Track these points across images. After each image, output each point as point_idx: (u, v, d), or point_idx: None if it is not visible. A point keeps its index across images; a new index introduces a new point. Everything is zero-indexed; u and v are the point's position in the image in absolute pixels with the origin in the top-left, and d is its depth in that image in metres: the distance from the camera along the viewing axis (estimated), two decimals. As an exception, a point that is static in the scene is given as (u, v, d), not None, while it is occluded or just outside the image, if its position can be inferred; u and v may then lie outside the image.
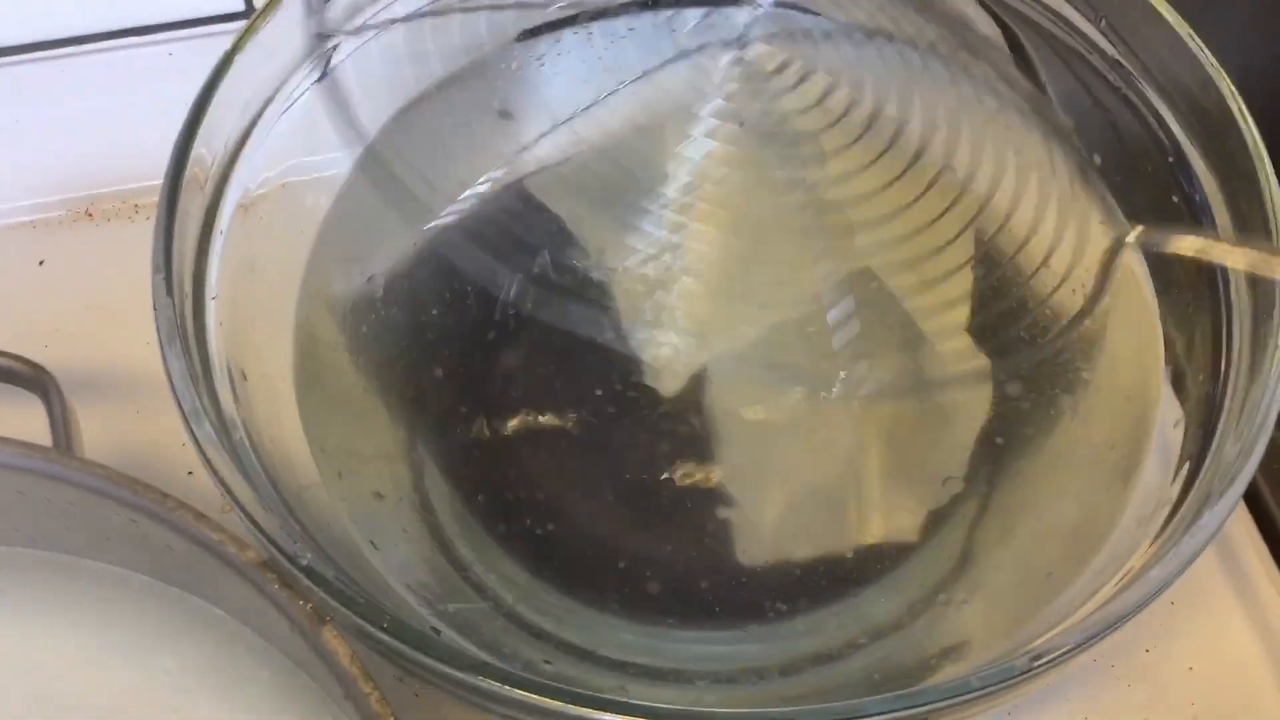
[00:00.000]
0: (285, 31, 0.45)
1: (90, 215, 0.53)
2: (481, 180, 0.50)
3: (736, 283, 0.46)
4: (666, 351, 0.45)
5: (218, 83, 0.43)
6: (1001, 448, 0.43)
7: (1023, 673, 0.32)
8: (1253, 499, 0.47)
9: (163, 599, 0.41)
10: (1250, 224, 0.40)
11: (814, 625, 0.40)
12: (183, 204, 0.41)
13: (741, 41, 0.49)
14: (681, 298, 0.45)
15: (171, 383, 0.37)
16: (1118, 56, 0.44)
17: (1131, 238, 0.44)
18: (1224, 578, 0.46)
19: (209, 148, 0.43)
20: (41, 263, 0.52)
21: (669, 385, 0.44)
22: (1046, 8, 0.47)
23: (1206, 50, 0.41)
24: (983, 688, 0.32)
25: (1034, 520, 0.41)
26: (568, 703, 0.32)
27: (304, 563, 0.34)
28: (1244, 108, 0.41)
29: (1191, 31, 0.42)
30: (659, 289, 0.46)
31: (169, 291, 0.38)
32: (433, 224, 0.49)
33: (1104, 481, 0.41)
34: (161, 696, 0.40)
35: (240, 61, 0.43)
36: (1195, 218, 0.42)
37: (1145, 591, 0.34)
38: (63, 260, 0.52)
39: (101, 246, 0.53)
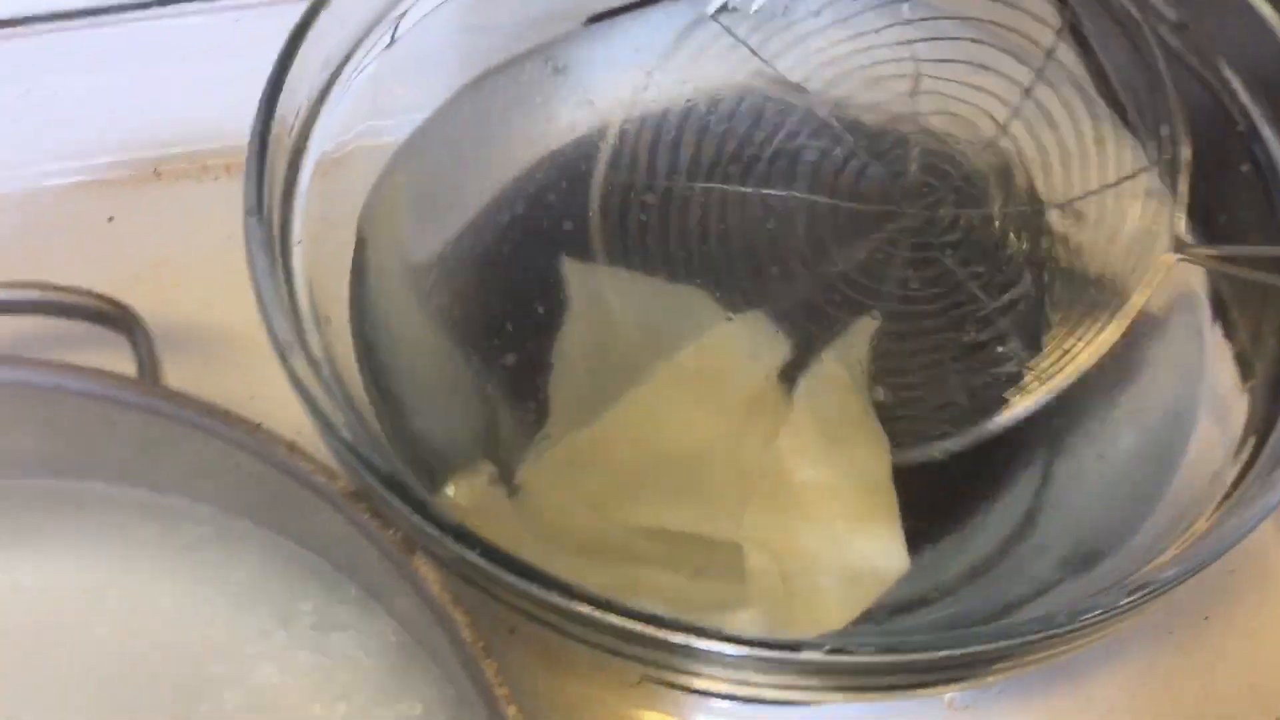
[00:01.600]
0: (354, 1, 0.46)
1: (158, 175, 0.54)
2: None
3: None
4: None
5: (296, 47, 0.44)
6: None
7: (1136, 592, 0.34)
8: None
9: (247, 538, 0.41)
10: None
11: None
12: (270, 154, 0.42)
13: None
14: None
15: (266, 315, 0.38)
16: (1181, 21, 0.45)
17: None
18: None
19: (288, 107, 0.44)
20: (110, 219, 0.53)
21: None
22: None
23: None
24: (1095, 611, 0.33)
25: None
26: (668, 630, 0.33)
27: (399, 482, 0.35)
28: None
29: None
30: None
31: (262, 228, 0.39)
32: (493, 189, 0.50)
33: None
34: (244, 635, 0.40)
35: (314, 27, 0.44)
36: (1266, 187, 0.43)
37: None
38: (131, 217, 0.53)
39: (168, 205, 0.54)
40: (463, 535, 0.35)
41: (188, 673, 0.39)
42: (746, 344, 0.45)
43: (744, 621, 0.39)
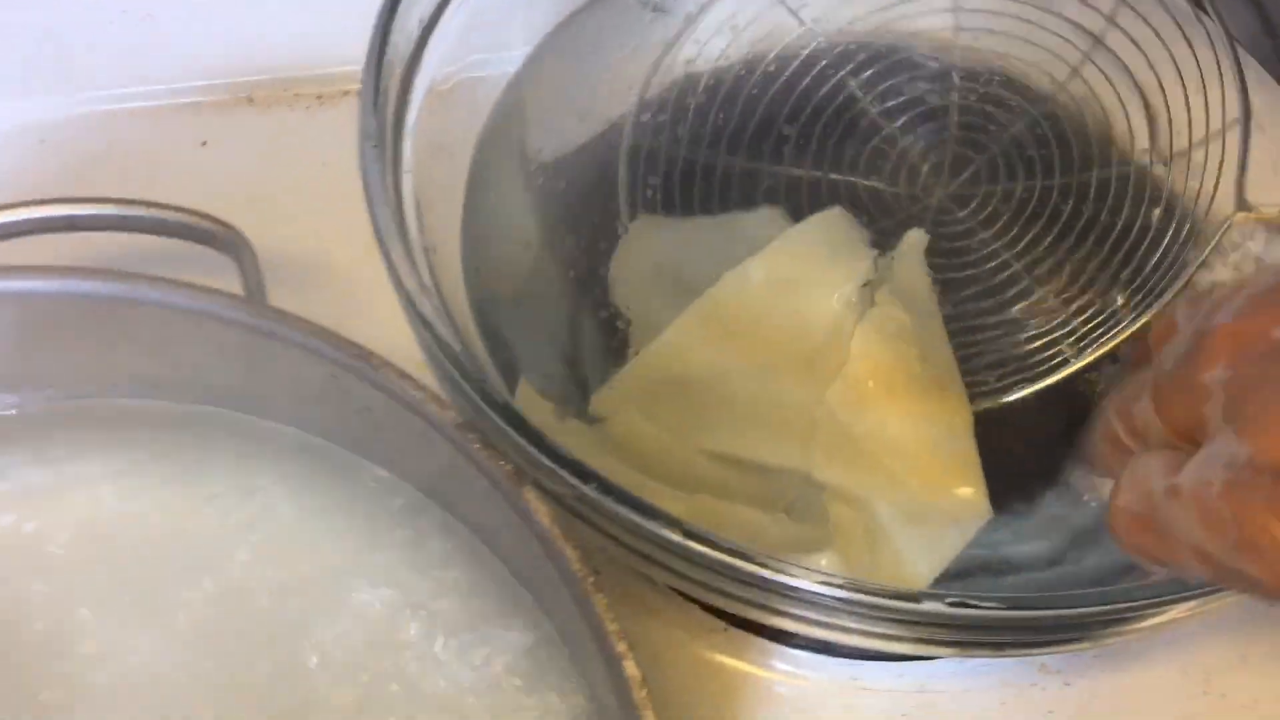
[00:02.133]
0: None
1: (251, 100, 0.54)
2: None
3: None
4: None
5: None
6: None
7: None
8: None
9: (350, 470, 0.41)
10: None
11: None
12: (384, 82, 0.41)
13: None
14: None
15: (383, 244, 0.37)
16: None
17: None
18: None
19: (400, 35, 0.43)
20: (204, 143, 0.53)
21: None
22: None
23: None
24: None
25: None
26: (776, 572, 0.33)
27: (514, 413, 0.35)
28: None
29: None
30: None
31: (379, 157, 0.39)
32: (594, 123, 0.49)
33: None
34: (340, 568, 0.40)
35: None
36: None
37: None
38: (224, 142, 0.53)
39: (262, 131, 0.53)
40: (579, 468, 0.34)
41: (295, 604, 0.39)
42: (824, 246, 0.43)
43: (826, 565, 0.39)
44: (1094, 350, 0.42)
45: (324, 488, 0.41)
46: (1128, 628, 0.35)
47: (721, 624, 0.44)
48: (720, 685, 0.43)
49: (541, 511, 0.36)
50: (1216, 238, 0.40)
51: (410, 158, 0.42)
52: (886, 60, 0.47)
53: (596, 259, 0.46)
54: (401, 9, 0.43)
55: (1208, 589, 0.33)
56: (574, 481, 0.34)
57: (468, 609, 0.39)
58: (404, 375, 0.37)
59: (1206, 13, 0.44)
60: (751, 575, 0.33)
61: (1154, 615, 0.35)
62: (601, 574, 0.40)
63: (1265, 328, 0.29)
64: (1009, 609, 0.33)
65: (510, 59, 0.49)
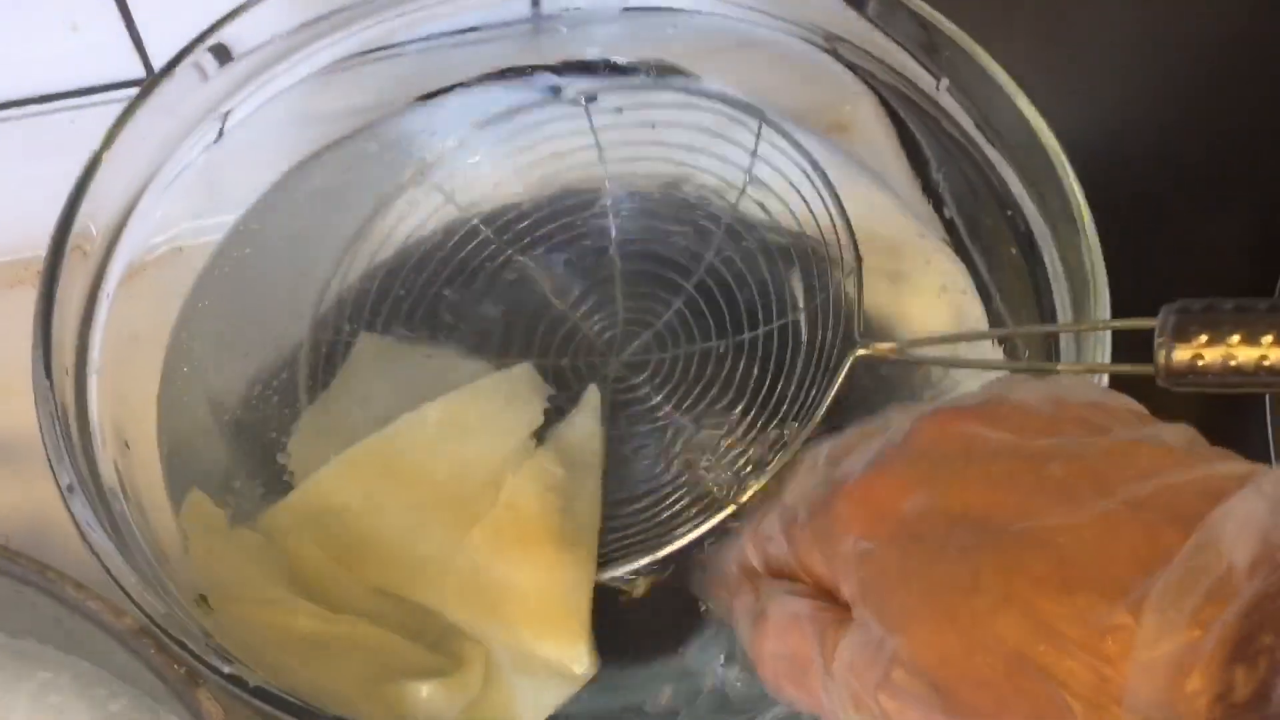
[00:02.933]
0: (179, 97, 0.47)
1: (-19, 282, 0.55)
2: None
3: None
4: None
5: (105, 151, 0.45)
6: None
7: None
8: None
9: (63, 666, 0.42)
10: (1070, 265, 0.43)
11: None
12: (65, 278, 0.43)
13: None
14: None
15: (50, 463, 0.39)
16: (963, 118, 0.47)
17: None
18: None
19: (95, 216, 0.44)
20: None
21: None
22: (893, 70, 0.49)
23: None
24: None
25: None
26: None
27: (180, 623, 0.36)
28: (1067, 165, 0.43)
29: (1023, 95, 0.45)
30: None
31: (48, 372, 0.40)
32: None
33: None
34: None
35: (130, 128, 0.45)
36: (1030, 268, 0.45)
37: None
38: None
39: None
40: (237, 678, 0.36)
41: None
42: (501, 397, 0.45)
43: (427, 694, 0.40)
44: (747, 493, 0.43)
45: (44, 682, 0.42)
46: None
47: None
48: None
49: (214, 713, 0.37)
50: (840, 375, 0.43)
51: (99, 354, 0.43)
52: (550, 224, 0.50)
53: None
54: (91, 197, 0.44)
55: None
56: (233, 688, 0.36)
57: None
58: (80, 586, 0.39)
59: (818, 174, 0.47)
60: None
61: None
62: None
63: (894, 498, 0.29)
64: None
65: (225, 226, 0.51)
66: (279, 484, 0.45)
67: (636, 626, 0.44)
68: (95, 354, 0.43)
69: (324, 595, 0.42)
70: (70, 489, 0.38)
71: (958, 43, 0.46)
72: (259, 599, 0.41)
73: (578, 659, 0.41)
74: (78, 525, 0.38)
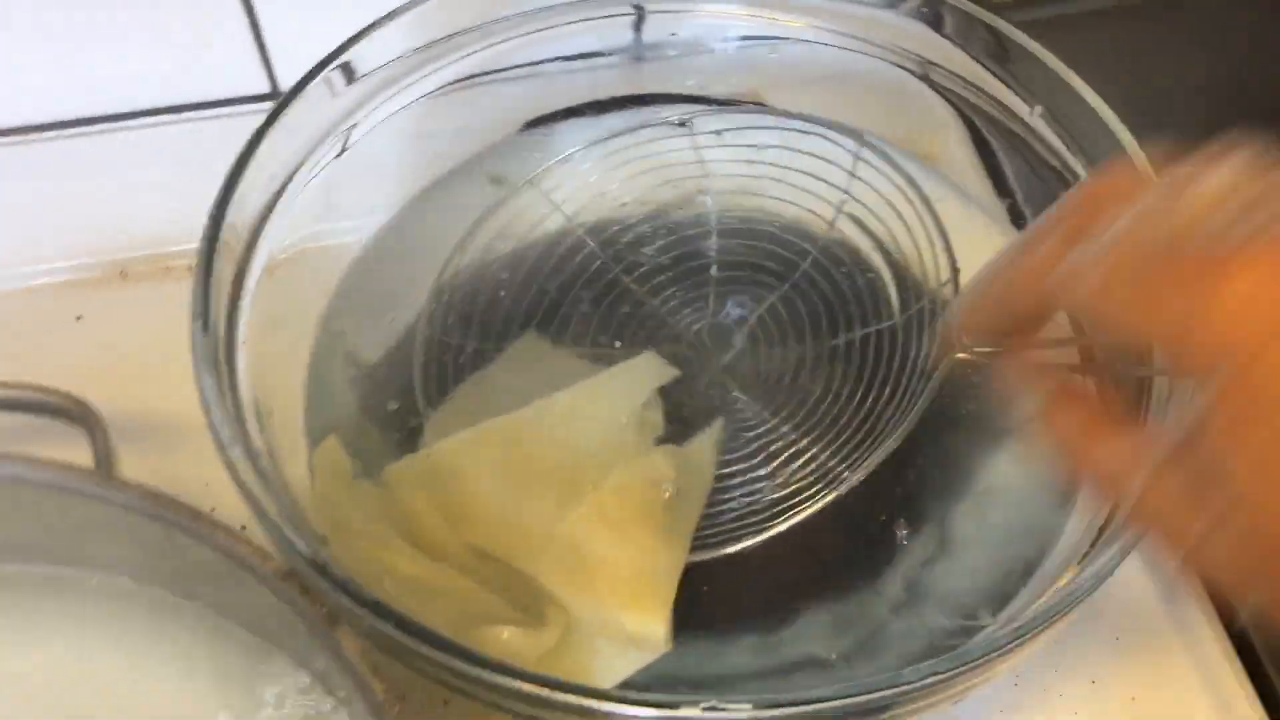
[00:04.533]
0: (309, 112, 0.51)
1: (124, 275, 0.59)
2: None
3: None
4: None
5: (248, 159, 0.48)
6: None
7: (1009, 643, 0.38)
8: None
9: (185, 615, 0.46)
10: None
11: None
12: (217, 265, 0.46)
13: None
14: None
15: (208, 413, 0.42)
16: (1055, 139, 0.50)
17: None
18: (1165, 615, 0.50)
19: (238, 216, 0.48)
20: (79, 318, 0.57)
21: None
22: (989, 95, 0.53)
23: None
24: (982, 655, 0.37)
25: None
26: (584, 697, 0.37)
27: (324, 564, 0.39)
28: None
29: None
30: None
31: (206, 333, 0.43)
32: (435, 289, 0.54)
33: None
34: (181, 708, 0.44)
35: (268, 139, 0.49)
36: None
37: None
38: (99, 316, 0.57)
39: (134, 304, 0.58)
40: (379, 609, 0.38)
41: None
42: (628, 391, 0.49)
43: (505, 634, 0.43)
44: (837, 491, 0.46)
45: (162, 635, 0.45)
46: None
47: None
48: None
49: (353, 649, 0.40)
50: (938, 375, 0.46)
51: (245, 330, 0.47)
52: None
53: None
54: (240, 191, 0.48)
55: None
56: (373, 620, 0.38)
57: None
58: (231, 532, 0.42)
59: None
60: (555, 701, 0.37)
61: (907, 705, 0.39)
62: (450, 704, 0.45)
63: None
64: (763, 708, 0.37)
65: (349, 230, 0.55)
66: (410, 448, 0.49)
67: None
68: (242, 329, 0.47)
69: (429, 547, 0.45)
70: (226, 441, 0.41)
71: (1053, 69, 0.49)
72: (371, 538, 0.45)
73: (656, 633, 0.43)
74: (234, 473, 0.41)
